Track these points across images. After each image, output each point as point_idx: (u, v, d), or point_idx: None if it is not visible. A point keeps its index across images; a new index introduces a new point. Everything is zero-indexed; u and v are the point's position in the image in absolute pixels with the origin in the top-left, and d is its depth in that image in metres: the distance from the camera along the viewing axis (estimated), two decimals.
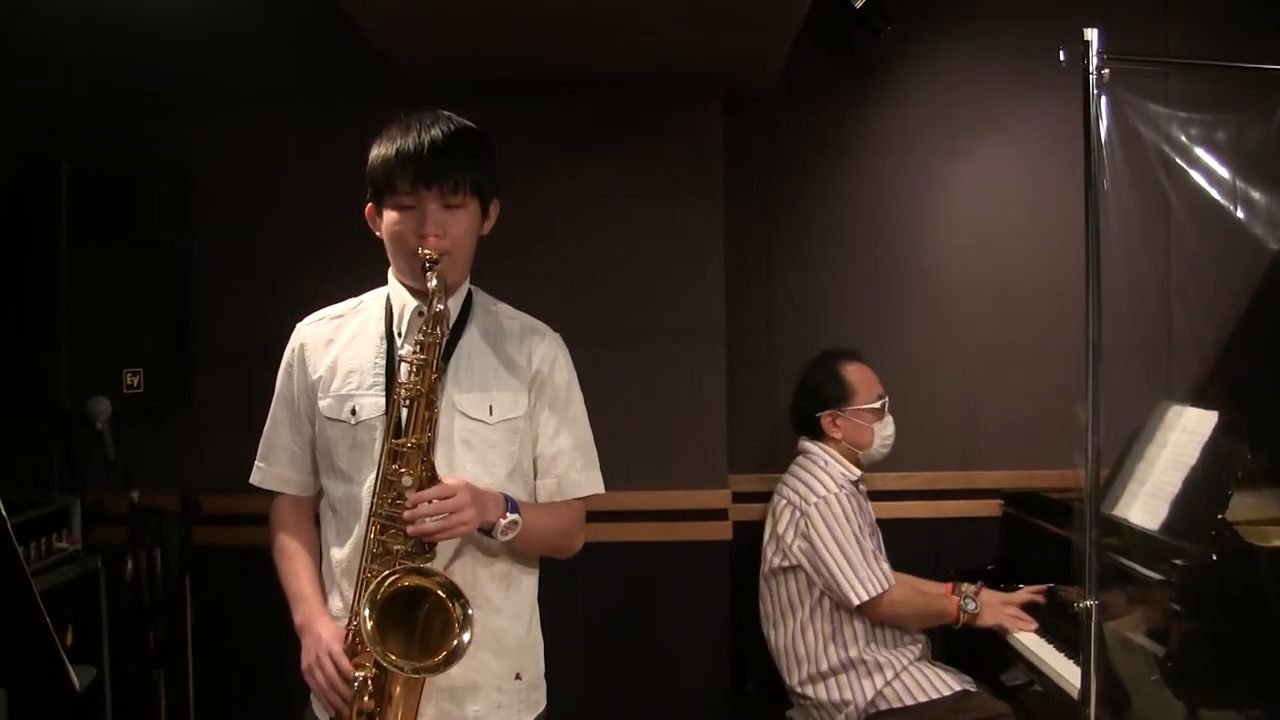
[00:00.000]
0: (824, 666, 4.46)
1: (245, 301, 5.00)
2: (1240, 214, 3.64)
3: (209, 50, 5.06)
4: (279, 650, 3.04)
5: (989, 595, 4.74)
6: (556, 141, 5.06)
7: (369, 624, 2.56)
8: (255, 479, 3.07)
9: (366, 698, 2.66)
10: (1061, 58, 3.15)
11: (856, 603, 4.37)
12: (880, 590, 4.37)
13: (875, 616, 4.44)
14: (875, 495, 4.75)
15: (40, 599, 3.37)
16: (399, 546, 2.68)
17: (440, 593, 2.65)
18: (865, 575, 4.37)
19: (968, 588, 4.78)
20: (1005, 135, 5.44)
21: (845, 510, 4.45)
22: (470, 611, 2.63)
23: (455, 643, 2.60)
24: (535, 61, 4.79)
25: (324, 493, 3.00)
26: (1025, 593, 4.74)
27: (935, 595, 4.66)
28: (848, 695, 4.42)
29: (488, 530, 2.76)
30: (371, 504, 2.73)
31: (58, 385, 4.43)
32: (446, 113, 2.88)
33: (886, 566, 4.48)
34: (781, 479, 4.74)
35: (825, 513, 4.44)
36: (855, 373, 4.72)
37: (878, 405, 4.70)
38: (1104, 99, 3.13)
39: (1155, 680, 3.55)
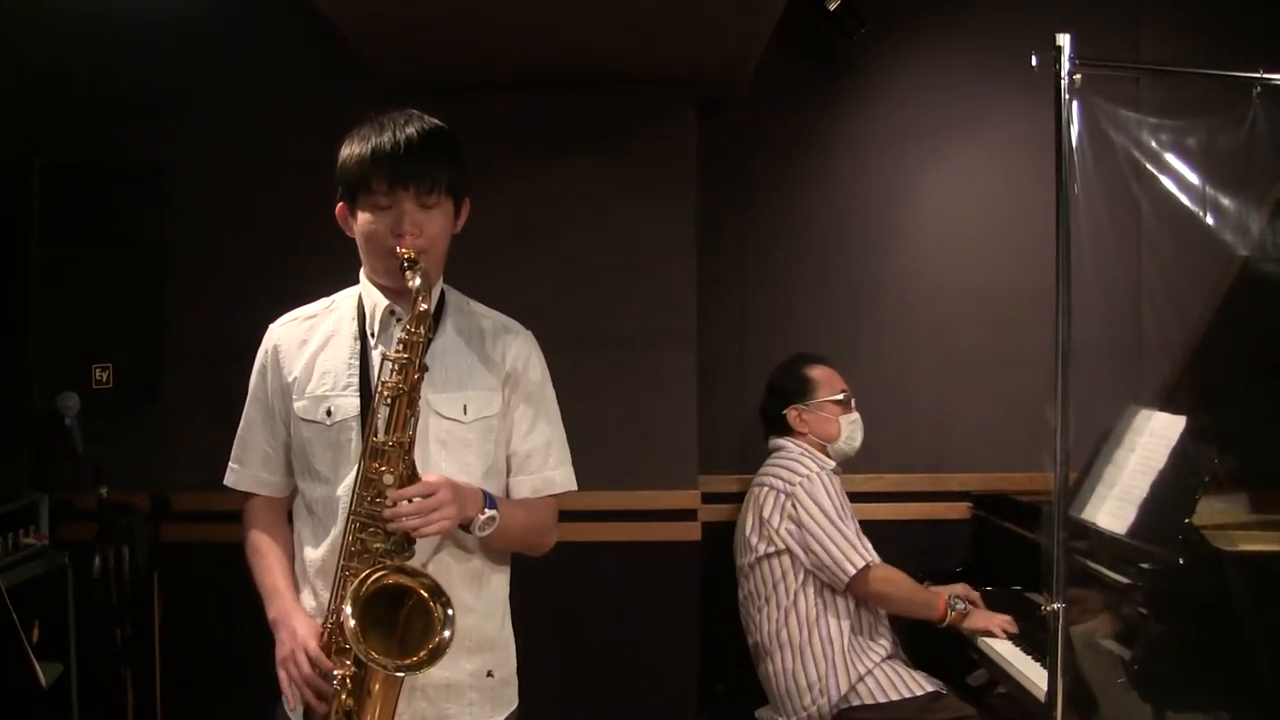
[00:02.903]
0: (802, 658, 4.49)
1: (218, 299, 5.00)
2: (1210, 219, 3.65)
3: (185, 50, 5.05)
4: (247, 648, 3.03)
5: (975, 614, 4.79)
6: (530, 144, 5.06)
7: (351, 621, 2.56)
8: (229, 480, 3.07)
9: (345, 695, 2.66)
10: (1034, 62, 3.16)
11: (852, 572, 4.43)
12: (870, 560, 4.45)
13: (864, 592, 4.50)
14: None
15: (6, 595, 3.36)
16: (378, 544, 2.68)
17: (423, 592, 2.65)
18: (851, 549, 4.46)
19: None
20: (978, 139, 5.45)
21: (829, 488, 4.54)
22: (451, 611, 2.63)
23: (437, 640, 2.61)
24: (510, 64, 4.79)
25: (299, 493, 2.99)
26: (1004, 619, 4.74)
27: (927, 589, 4.72)
28: (820, 690, 4.45)
29: (465, 526, 2.77)
30: (350, 502, 2.72)
31: (27, 380, 4.41)
32: (416, 112, 2.88)
33: (870, 544, 4.53)
34: (756, 478, 4.80)
35: (812, 490, 4.53)
36: (818, 370, 4.87)
37: (840, 397, 4.81)
38: (1075, 104, 3.15)
39: (1122, 683, 3.56)
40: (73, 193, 4.56)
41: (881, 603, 4.60)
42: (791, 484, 4.58)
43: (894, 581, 4.55)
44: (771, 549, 4.58)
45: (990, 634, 4.51)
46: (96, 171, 4.71)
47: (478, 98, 4.91)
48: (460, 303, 3.03)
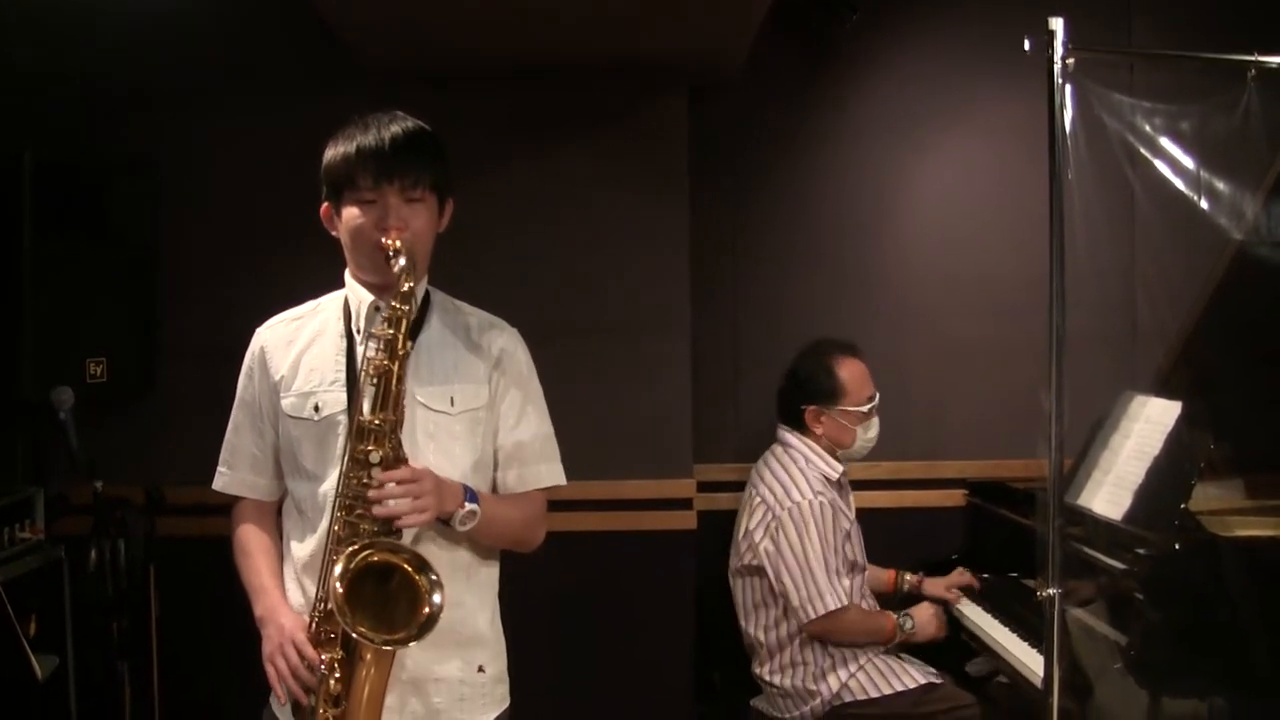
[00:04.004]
0: (795, 657, 4.50)
1: (212, 293, 4.98)
2: (1204, 204, 3.65)
3: (179, 45, 5.04)
4: (244, 641, 3.02)
5: (932, 585, 4.80)
6: (521, 132, 5.05)
7: (339, 586, 2.56)
8: (218, 484, 3.07)
9: (334, 681, 2.66)
10: (1027, 47, 3.15)
11: (806, 620, 4.41)
12: (832, 608, 4.39)
13: (813, 631, 4.45)
14: None
15: (3, 589, 3.35)
16: (367, 526, 2.68)
17: (407, 567, 2.65)
18: (824, 589, 4.40)
19: (911, 579, 4.85)
20: (971, 125, 5.45)
21: (817, 519, 4.45)
22: (435, 576, 2.64)
23: (427, 609, 2.61)
24: (500, 52, 4.78)
25: (288, 493, 3.00)
26: (957, 575, 4.79)
27: (875, 613, 4.65)
28: (814, 686, 4.44)
29: (445, 520, 2.77)
30: (337, 488, 2.72)
31: (20, 374, 4.41)
32: (400, 113, 2.90)
33: (847, 584, 4.48)
34: (757, 468, 4.75)
35: (797, 520, 4.45)
36: (849, 370, 4.69)
37: (866, 408, 4.68)
38: (1069, 89, 3.14)
39: (1118, 669, 3.56)
40: (66, 187, 4.56)
41: (826, 640, 4.52)
42: (781, 506, 4.51)
43: (850, 626, 4.48)
44: (755, 562, 4.56)
45: (947, 599, 4.60)
46: (90, 166, 4.70)
47: (469, 88, 4.92)
48: (445, 302, 3.04)
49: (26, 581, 4.45)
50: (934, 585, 4.85)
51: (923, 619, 4.63)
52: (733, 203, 5.50)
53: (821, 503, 4.48)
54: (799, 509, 4.46)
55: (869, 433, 4.71)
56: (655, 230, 5.04)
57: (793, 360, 4.82)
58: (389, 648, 2.63)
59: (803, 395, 4.69)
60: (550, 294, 4.93)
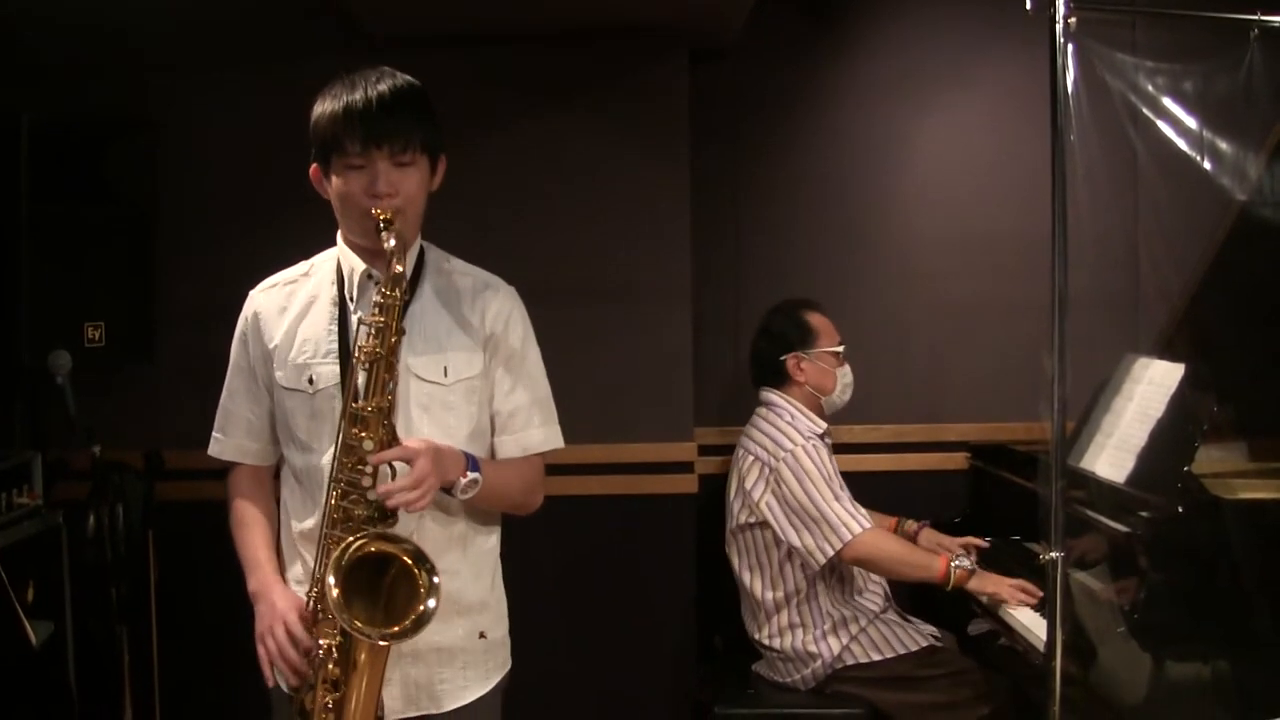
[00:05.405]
0: (794, 620, 4.48)
1: (211, 256, 4.96)
2: (1207, 165, 3.63)
3: (177, 5, 4.99)
4: (243, 605, 3.01)
5: (930, 535, 4.79)
6: (520, 95, 5.02)
7: (334, 590, 2.55)
8: (213, 450, 3.06)
9: (332, 665, 2.65)
10: (1029, 6, 3.13)
11: (823, 560, 4.36)
12: (851, 535, 4.33)
13: (849, 559, 4.40)
14: (842, 448, 4.77)
15: None
16: (360, 511, 2.67)
17: (407, 559, 2.64)
18: (837, 522, 4.34)
19: (911, 525, 4.81)
20: (973, 86, 5.42)
21: (814, 460, 4.43)
22: (436, 579, 2.62)
23: (422, 608, 2.60)
24: (498, 14, 4.75)
25: (285, 462, 2.99)
26: (972, 540, 4.75)
27: (924, 551, 4.60)
28: (814, 649, 4.43)
29: (448, 489, 2.75)
30: (331, 470, 2.71)
31: (18, 338, 4.40)
32: (389, 68, 2.83)
33: (863, 512, 4.42)
34: (745, 431, 4.73)
35: (794, 466, 4.43)
36: (817, 319, 4.72)
37: (840, 349, 4.70)
38: (1071, 48, 3.12)
39: (1121, 632, 3.55)
40: (63, 149, 4.54)
41: (870, 568, 4.52)
42: (776, 457, 4.49)
43: (879, 547, 4.40)
44: (754, 519, 4.53)
45: (1003, 601, 4.27)
46: (87, 128, 4.68)
47: (466, 51, 4.90)
48: (439, 261, 3.00)
49: (24, 547, 4.44)
50: (931, 535, 4.81)
51: (986, 573, 4.59)
52: (733, 165, 5.48)
53: (814, 444, 4.49)
54: (793, 455, 4.45)
55: (846, 378, 4.72)
56: (656, 193, 5.03)
57: (761, 321, 4.83)
58: (384, 643, 2.62)
59: (780, 346, 4.70)
60: (550, 258, 4.92)
